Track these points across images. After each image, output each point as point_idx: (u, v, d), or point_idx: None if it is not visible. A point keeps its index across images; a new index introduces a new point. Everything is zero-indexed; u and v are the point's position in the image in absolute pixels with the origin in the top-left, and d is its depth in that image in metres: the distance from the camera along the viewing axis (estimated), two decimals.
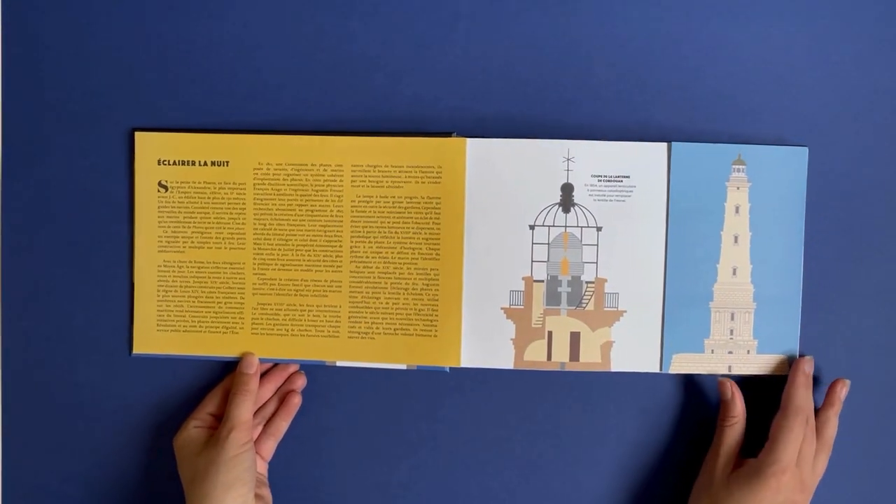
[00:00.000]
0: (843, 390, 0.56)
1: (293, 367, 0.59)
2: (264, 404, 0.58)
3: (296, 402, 0.58)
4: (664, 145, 0.56)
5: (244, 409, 0.55)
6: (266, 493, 0.57)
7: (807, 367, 0.55)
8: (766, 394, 0.57)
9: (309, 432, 0.59)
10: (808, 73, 0.57)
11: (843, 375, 0.56)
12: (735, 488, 0.53)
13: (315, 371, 0.59)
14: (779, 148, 0.56)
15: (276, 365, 0.59)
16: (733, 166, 0.56)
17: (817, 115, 0.57)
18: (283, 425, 0.58)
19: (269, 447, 0.58)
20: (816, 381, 0.57)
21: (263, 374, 0.58)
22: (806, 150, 0.56)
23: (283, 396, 0.58)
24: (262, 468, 0.57)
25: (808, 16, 0.57)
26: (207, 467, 0.53)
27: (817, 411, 0.55)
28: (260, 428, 0.58)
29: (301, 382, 0.58)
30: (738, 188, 0.56)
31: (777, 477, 0.51)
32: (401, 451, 0.59)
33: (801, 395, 0.54)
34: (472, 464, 0.59)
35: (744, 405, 0.56)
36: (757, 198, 0.56)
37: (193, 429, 0.55)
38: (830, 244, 0.57)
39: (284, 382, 0.59)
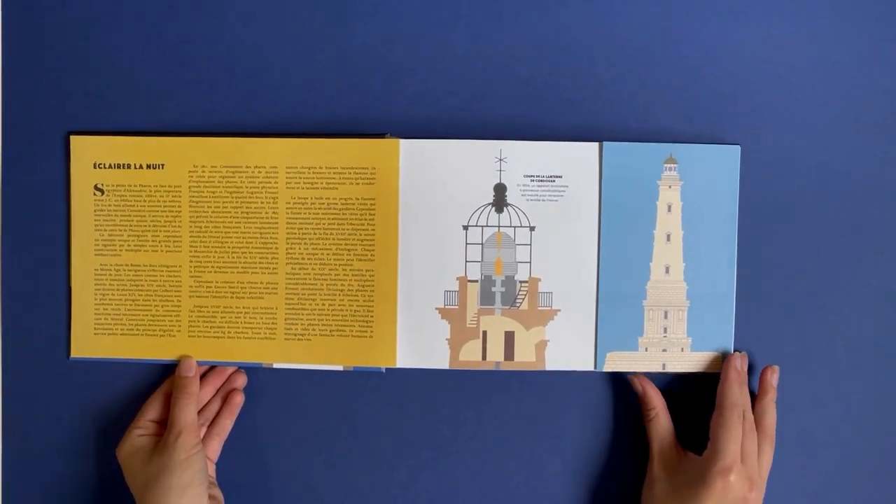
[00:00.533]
0: (773, 377, 0.56)
1: (231, 369, 0.59)
2: (207, 405, 0.58)
3: (238, 400, 0.58)
4: (596, 145, 0.57)
5: (188, 412, 0.55)
6: (217, 492, 0.57)
7: (738, 363, 0.56)
8: (706, 391, 0.57)
9: (246, 434, 0.59)
10: (743, 73, 0.58)
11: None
12: (685, 490, 0.52)
13: (252, 373, 0.59)
14: (710, 147, 0.57)
15: (213, 368, 0.59)
16: (665, 165, 0.57)
17: (749, 112, 0.58)
18: (227, 424, 0.58)
19: (215, 447, 0.58)
20: (753, 375, 0.57)
21: (202, 376, 0.58)
22: (738, 148, 0.57)
23: (225, 396, 0.58)
24: (210, 469, 0.58)
25: (751, 15, 0.58)
26: (159, 473, 0.53)
27: (754, 404, 0.55)
28: (205, 428, 0.58)
29: (242, 381, 0.58)
30: (669, 187, 0.57)
31: (723, 476, 0.51)
32: (338, 451, 0.59)
33: (735, 391, 0.54)
34: (409, 463, 0.59)
35: (660, 396, 0.56)
36: (689, 196, 0.57)
37: (138, 437, 0.55)
38: (764, 241, 0.58)
39: (226, 382, 0.59)
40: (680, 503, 0.52)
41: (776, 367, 0.56)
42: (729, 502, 0.51)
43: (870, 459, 0.59)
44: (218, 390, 0.59)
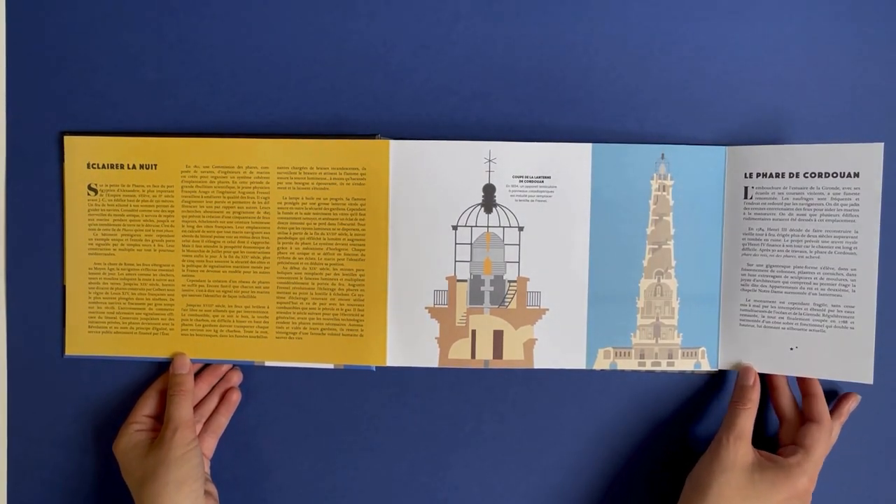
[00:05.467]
0: (852, 404, 0.57)
1: (225, 367, 0.59)
2: (203, 403, 0.59)
3: (235, 398, 0.59)
4: (587, 146, 0.57)
5: (184, 409, 0.56)
6: (212, 488, 0.58)
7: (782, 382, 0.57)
8: (699, 389, 0.58)
9: (238, 430, 0.60)
10: (737, 74, 0.58)
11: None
12: (758, 478, 0.53)
13: (244, 371, 0.60)
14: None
15: (208, 365, 0.59)
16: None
17: (743, 114, 0.58)
18: (223, 421, 0.59)
19: (211, 444, 0.59)
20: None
21: (197, 374, 0.59)
22: (724, 149, 0.57)
23: (222, 393, 0.59)
24: (206, 465, 0.58)
25: (745, 16, 0.58)
26: (156, 467, 0.53)
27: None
28: (201, 425, 0.58)
29: (237, 379, 0.59)
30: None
31: (806, 487, 0.53)
32: (329, 448, 0.60)
33: (828, 411, 0.56)
34: (400, 460, 0.60)
35: (759, 392, 0.56)
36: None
37: (135, 433, 0.56)
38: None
39: (221, 380, 0.59)
40: (755, 496, 0.53)
41: (857, 397, 0.58)
42: (795, 497, 0.53)
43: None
44: (213, 387, 0.59)
